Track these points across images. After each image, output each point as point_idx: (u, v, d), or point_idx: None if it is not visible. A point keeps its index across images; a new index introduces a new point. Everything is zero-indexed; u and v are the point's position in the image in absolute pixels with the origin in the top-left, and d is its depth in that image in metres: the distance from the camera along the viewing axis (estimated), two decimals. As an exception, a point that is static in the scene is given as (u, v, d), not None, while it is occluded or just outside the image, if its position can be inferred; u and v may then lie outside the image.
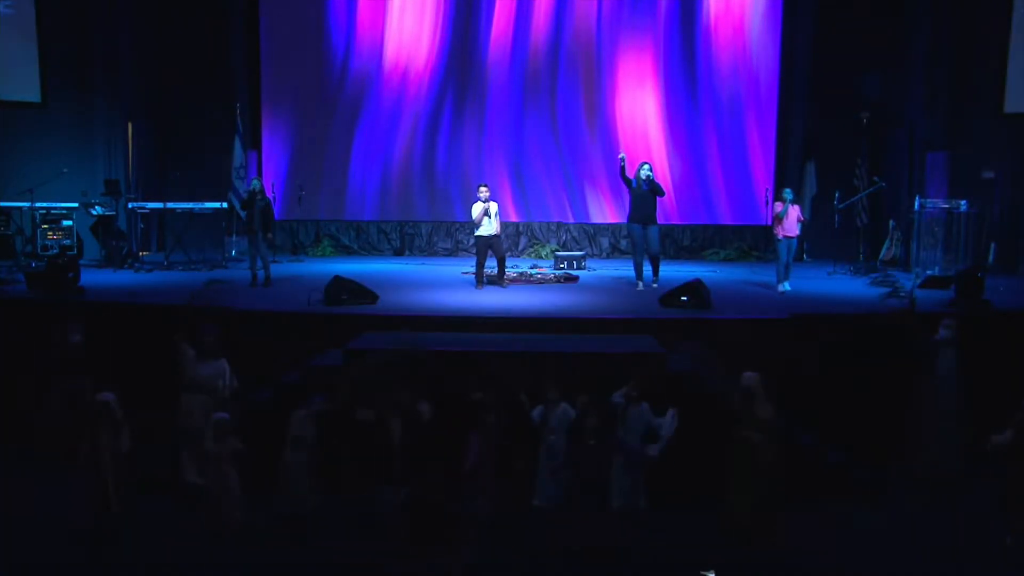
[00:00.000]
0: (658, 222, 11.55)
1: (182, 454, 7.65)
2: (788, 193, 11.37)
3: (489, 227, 11.29)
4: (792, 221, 11.19)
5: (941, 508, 7.52)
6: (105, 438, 6.59)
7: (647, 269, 11.52)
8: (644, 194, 11.25)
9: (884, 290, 11.10)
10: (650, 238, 11.37)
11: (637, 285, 11.41)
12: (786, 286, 11.29)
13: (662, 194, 11.41)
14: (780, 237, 11.19)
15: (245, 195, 12.13)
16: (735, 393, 6.93)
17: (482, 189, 11.41)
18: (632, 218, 11.40)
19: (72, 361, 8.00)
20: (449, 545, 5.81)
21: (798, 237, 11.55)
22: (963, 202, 12.44)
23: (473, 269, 11.77)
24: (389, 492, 6.52)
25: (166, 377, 7.79)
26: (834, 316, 9.66)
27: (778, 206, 11.24)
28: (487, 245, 11.40)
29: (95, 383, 7.50)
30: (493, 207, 11.29)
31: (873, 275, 12.56)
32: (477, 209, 11.28)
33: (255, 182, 11.73)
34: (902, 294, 10.25)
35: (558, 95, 15.35)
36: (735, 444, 6.83)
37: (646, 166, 11.37)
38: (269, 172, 15.45)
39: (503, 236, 11.61)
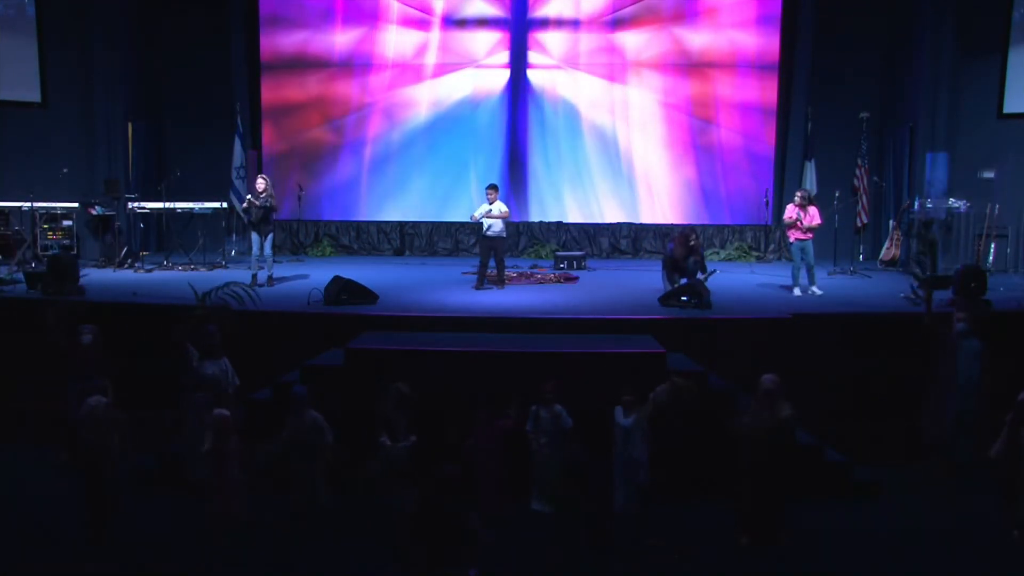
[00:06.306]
0: None
1: (185, 452, 7.64)
2: (797, 197, 11.19)
3: (487, 227, 11.29)
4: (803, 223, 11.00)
5: (944, 506, 7.52)
6: (105, 437, 6.59)
7: None
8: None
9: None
10: None
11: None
12: (813, 289, 11.04)
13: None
14: (792, 240, 11.15)
15: (246, 203, 11.94)
16: (753, 394, 6.89)
17: (488, 191, 11.41)
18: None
19: (85, 363, 7.97)
20: (453, 552, 5.75)
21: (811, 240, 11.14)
22: (963, 202, 12.42)
23: (474, 269, 11.75)
24: (397, 496, 6.48)
25: (166, 377, 7.79)
26: (834, 316, 9.66)
27: (790, 210, 11.11)
28: (489, 246, 11.41)
29: (110, 384, 7.56)
30: (495, 208, 11.24)
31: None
32: (482, 210, 11.33)
33: (254, 196, 11.62)
34: (913, 295, 10.16)
35: (558, 94, 15.36)
36: (749, 441, 6.79)
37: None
38: (269, 172, 15.41)
39: (504, 234, 11.54)
